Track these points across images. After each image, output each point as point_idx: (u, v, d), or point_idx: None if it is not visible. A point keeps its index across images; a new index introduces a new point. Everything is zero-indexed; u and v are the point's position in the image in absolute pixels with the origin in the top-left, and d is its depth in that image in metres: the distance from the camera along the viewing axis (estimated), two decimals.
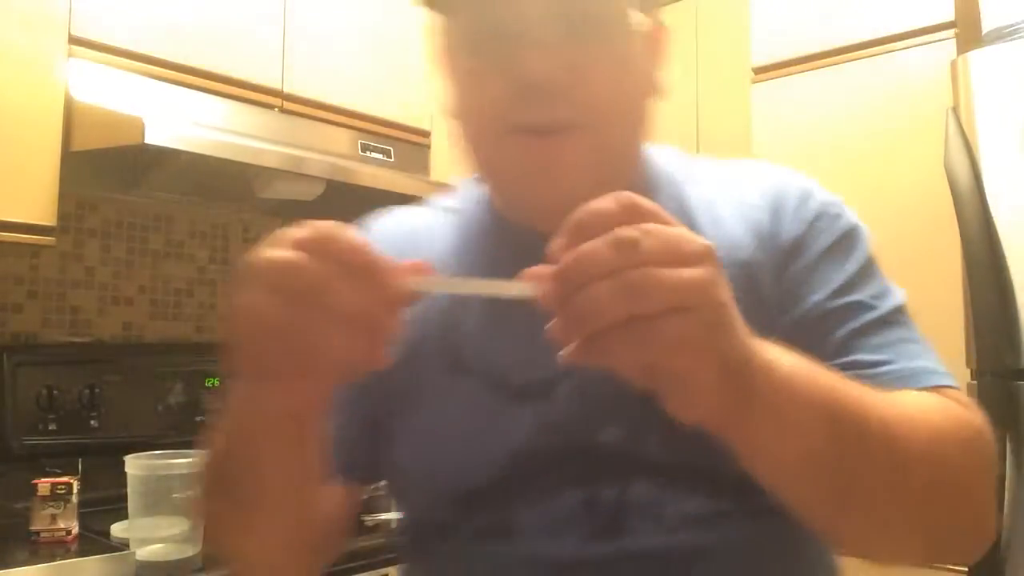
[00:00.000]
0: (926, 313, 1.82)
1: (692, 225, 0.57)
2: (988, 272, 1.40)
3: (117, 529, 1.25)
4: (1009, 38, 1.53)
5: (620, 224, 0.38)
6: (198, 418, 1.73)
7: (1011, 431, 1.37)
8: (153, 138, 1.32)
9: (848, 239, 0.61)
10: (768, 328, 0.45)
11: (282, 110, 1.67)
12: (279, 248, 0.42)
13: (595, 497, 0.55)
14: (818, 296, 0.58)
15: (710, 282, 0.39)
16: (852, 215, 0.63)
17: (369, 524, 1.45)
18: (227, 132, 1.52)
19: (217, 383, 1.77)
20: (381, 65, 1.87)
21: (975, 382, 1.43)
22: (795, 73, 1.87)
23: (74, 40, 1.39)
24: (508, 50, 0.55)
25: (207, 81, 1.55)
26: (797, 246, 0.60)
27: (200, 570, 1.13)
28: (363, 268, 0.41)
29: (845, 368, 0.52)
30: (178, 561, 1.15)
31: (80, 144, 1.38)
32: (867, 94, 1.76)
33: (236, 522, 0.54)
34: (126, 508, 1.18)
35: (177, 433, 1.66)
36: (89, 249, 1.76)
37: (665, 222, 0.40)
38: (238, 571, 0.59)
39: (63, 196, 1.37)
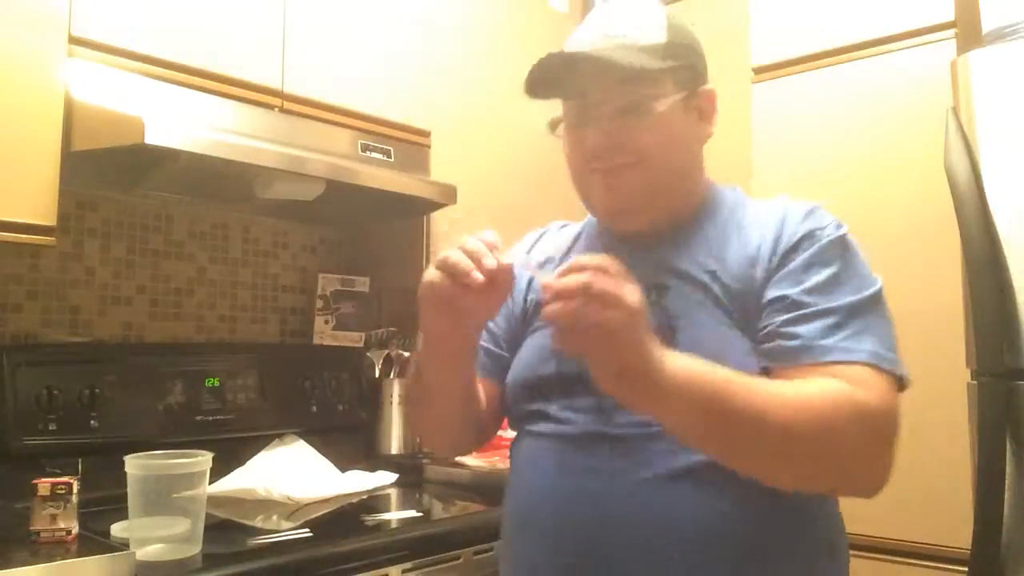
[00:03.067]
0: (926, 313, 1.81)
1: (742, 233, 0.95)
2: (988, 272, 1.40)
3: (117, 529, 1.24)
4: (1009, 38, 1.53)
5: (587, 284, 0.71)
6: (198, 418, 1.73)
7: (1011, 431, 1.37)
8: (153, 138, 1.32)
9: (822, 254, 0.90)
10: (753, 301, 0.90)
11: (282, 110, 1.67)
12: (450, 251, 0.82)
13: (599, 398, 0.89)
14: (788, 290, 0.89)
15: (624, 322, 0.70)
16: (835, 233, 0.92)
17: (369, 524, 1.45)
18: (227, 132, 1.51)
19: (217, 383, 1.77)
20: (381, 65, 1.87)
21: (975, 382, 1.43)
22: (795, 73, 1.87)
23: (74, 40, 1.38)
24: (583, 124, 0.97)
25: (207, 81, 1.55)
26: (786, 253, 0.91)
27: (200, 570, 1.13)
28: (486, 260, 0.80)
29: (777, 337, 0.87)
30: (178, 561, 1.15)
31: (80, 144, 1.38)
32: (867, 94, 1.76)
33: (428, 396, 1.00)
34: (126, 508, 1.17)
35: (177, 433, 1.66)
36: (89, 249, 1.76)
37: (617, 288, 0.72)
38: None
39: (63, 196, 1.37)
